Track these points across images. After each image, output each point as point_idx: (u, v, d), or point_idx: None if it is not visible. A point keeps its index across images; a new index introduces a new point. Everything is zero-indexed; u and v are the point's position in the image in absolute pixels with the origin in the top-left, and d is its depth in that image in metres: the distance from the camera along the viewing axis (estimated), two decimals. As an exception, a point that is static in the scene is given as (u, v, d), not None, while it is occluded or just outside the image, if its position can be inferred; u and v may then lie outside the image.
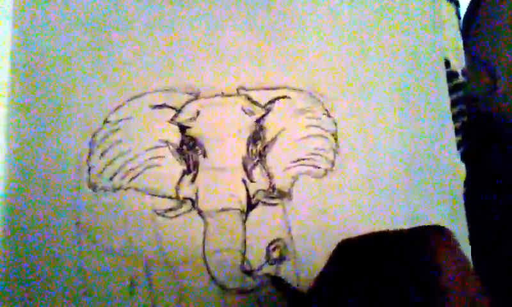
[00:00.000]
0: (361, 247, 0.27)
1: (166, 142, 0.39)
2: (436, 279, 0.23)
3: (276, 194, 0.40)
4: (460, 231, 0.43)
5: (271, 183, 0.40)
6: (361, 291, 0.25)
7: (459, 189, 0.44)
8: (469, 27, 0.53)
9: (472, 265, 0.25)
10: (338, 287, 0.26)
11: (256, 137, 0.40)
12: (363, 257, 0.26)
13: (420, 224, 0.26)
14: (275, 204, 0.39)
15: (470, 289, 0.23)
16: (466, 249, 0.42)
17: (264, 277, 0.38)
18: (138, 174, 0.39)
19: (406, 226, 0.26)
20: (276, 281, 0.37)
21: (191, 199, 0.39)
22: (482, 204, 0.48)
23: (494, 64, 0.59)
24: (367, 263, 0.26)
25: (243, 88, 0.41)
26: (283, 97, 0.41)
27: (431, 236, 0.24)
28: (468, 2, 0.54)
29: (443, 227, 0.25)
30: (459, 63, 0.47)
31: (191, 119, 0.39)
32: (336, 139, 0.42)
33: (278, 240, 0.39)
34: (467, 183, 0.45)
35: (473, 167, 0.45)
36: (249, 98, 0.41)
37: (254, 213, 0.39)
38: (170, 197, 0.39)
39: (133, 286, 0.37)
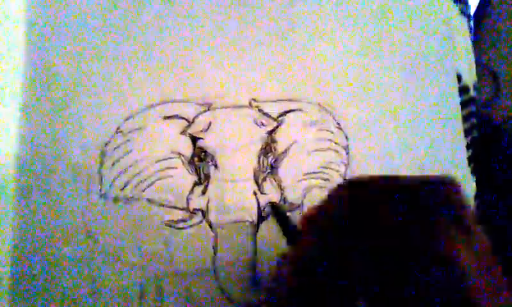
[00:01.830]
0: (371, 188, 0.26)
1: (178, 153, 0.39)
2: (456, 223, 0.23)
3: (287, 207, 0.40)
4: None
5: (282, 195, 0.40)
6: (367, 233, 0.24)
7: (470, 203, 0.44)
8: (474, 33, 0.53)
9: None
10: (343, 228, 0.25)
11: (267, 149, 0.40)
12: (372, 197, 0.25)
13: None
14: None
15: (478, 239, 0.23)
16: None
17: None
18: (149, 185, 0.39)
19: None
20: (276, 211, 0.36)
21: (201, 211, 0.38)
22: (491, 216, 0.48)
23: (497, 69, 0.59)
24: (377, 204, 0.25)
25: (255, 100, 0.41)
26: (295, 110, 0.41)
27: (443, 186, 0.25)
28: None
29: (452, 178, 0.26)
30: (470, 78, 0.47)
31: (202, 130, 0.39)
32: (347, 153, 0.41)
33: (288, 253, 0.38)
34: (477, 197, 0.45)
35: (481, 174, 0.46)
36: (261, 110, 0.41)
37: (265, 226, 0.39)
38: (181, 209, 0.39)
39: (143, 296, 0.37)
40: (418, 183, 0.25)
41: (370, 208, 0.25)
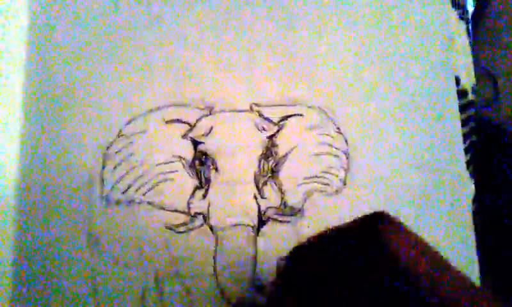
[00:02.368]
0: (312, 249, 0.28)
1: (179, 157, 0.40)
2: (395, 260, 0.23)
3: (288, 211, 0.40)
4: (469, 247, 0.43)
5: (282, 199, 0.40)
6: (319, 293, 0.25)
7: (468, 206, 0.44)
8: (472, 34, 0.54)
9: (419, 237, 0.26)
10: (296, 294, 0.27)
11: (268, 153, 0.40)
12: (316, 259, 0.27)
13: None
14: (287, 222, 0.40)
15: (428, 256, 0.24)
16: (474, 265, 0.42)
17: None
18: (151, 189, 0.39)
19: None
20: None
21: (202, 214, 0.39)
22: (490, 218, 0.48)
23: (496, 70, 0.60)
24: (321, 263, 0.26)
25: (256, 104, 0.41)
26: (296, 114, 0.42)
27: (375, 223, 0.25)
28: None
29: (382, 212, 0.26)
30: (469, 81, 0.48)
31: (203, 134, 0.40)
32: (347, 158, 0.42)
33: (289, 257, 0.39)
34: (475, 200, 0.45)
35: (480, 176, 0.46)
36: (261, 115, 0.41)
37: (265, 230, 0.39)
38: (182, 212, 0.39)
39: (144, 299, 0.37)
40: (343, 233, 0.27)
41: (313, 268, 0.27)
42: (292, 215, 0.40)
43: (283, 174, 0.40)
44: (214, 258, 0.38)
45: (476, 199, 0.45)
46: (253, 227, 0.38)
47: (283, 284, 0.29)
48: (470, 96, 0.48)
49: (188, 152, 0.40)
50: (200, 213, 0.39)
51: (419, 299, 0.22)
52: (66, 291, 0.37)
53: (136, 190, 0.39)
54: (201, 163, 0.39)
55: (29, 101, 0.40)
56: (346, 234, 0.27)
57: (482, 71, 0.61)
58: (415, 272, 0.23)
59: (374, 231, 0.25)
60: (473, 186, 0.45)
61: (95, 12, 0.42)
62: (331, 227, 0.28)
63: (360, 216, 0.27)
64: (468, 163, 0.45)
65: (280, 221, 0.40)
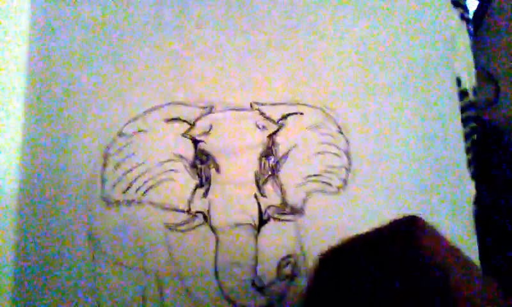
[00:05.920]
0: (344, 256, 0.28)
1: (179, 156, 0.40)
2: (431, 263, 0.23)
3: (288, 210, 0.40)
4: (471, 247, 0.43)
5: (283, 198, 0.40)
6: (354, 299, 0.25)
7: (469, 206, 0.44)
8: (473, 34, 0.54)
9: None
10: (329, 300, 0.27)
11: (268, 152, 0.40)
12: (348, 266, 0.27)
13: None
14: (287, 220, 0.39)
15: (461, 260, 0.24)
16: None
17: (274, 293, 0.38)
18: (151, 188, 0.39)
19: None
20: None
21: (203, 213, 0.39)
22: (490, 217, 0.48)
23: (496, 74, 0.60)
24: (355, 270, 0.26)
25: (257, 103, 0.41)
26: (296, 113, 0.42)
27: (410, 227, 0.25)
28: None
29: (415, 216, 0.26)
30: (470, 81, 0.48)
31: (204, 133, 0.40)
32: (348, 157, 0.42)
33: (289, 256, 0.38)
34: (477, 200, 0.45)
35: (481, 177, 0.46)
36: (262, 114, 0.41)
37: (266, 229, 0.39)
38: (183, 211, 0.39)
39: (145, 299, 0.37)
40: (378, 238, 0.26)
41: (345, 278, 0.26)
42: (292, 214, 0.40)
43: (284, 173, 0.40)
44: (215, 257, 0.38)
45: (476, 199, 0.45)
46: (253, 226, 0.38)
47: (319, 289, 0.29)
48: (471, 97, 0.48)
49: (188, 151, 0.40)
50: (200, 212, 0.39)
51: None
52: (67, 291, 0.37)
53: (137, 190, 0.39)
54: (202, 162, 0.39)
55: (30, 101, 0.40)
56: (381, 238, 0.26)
57: (483, 72, 0.61)
58: (449, 278, 0.23)
59: (409, 236, 0.24)
60: (473, 185, 0.45)
61: (95, 12, 0.42)
62: (364, 232, 0.28)
63: (393, 220, 0.26)
64: (469, 163, 0.45)
65: (281, 220, 0.39)
